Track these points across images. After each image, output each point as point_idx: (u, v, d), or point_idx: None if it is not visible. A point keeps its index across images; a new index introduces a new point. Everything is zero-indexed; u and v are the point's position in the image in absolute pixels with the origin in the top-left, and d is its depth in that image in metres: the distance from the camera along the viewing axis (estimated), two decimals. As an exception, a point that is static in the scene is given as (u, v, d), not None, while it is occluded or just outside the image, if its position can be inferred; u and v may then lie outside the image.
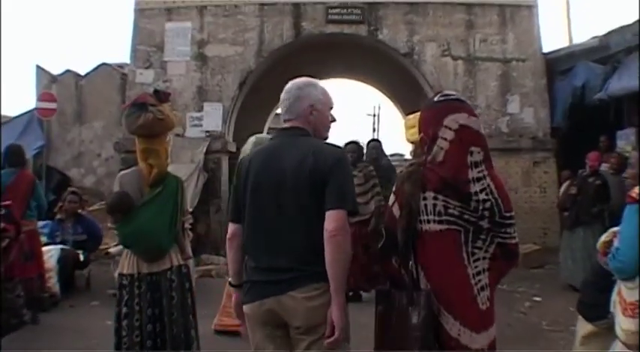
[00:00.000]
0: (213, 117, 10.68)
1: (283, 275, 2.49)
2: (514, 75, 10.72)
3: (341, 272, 2.43)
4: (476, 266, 2.44)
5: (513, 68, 10.73)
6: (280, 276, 2.50)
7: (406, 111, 13.96)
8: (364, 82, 14.81)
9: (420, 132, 2.66)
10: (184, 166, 10.23)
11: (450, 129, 2.49)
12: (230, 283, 2.86)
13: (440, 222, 2.45)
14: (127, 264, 4.12)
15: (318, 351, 2.47)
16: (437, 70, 10.69)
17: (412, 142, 5.01)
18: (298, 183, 2.50)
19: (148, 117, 4.17)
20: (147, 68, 10.87)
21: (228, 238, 2.76)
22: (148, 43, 10.90)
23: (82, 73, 12.37)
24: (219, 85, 10.75)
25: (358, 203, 4.37)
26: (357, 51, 11.90)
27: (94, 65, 12.35)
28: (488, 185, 2.47)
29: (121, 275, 4.13)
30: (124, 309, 4.06)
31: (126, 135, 10.77)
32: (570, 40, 14.37)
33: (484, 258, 2.46)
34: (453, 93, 2.75)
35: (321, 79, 14.51)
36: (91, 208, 10.03)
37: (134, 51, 10.93)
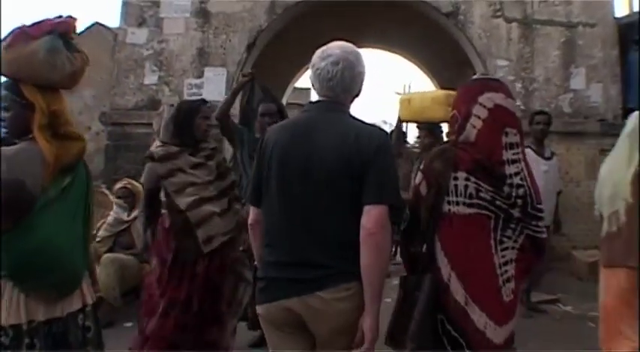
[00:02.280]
0: (215, 85, 8.96)
1: (310, 272, 2.21)
2: (580, 43, 8.80)
3: (378, 277, 2.18)
4: (503, 256, 2.35)
5: (579, 35, 8.80)
6: (307, 274, 2.22)
7: (444, 86, 12.13)
8: (395, 51, 12.95)
9: (453, 110, 2.54)
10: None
11: (484, 107, 2.41)
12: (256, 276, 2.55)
13: (470, 205, 2.34)
14: (6, 306, 2.37)
15: None
16: (486, 34, 8.80)
17: (404, 121, 4.59)
18: (334, 168, 2.21)
19: (84, 60, 2.59)
20: (139, 26, 9.16)
21: (250, 224, 2.50)
22: (141, -5, 9.20)
23: (73, 33, 10.95)
24: (223, 46, 9.00)
25: (210, 212, 3.76)
26: (388, 10, 10.10)
27: (87, 25, 10.94)
28: (523, 169, 2.40)
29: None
30: None
31: (114, 104, 9.27)
32: (631, 6, 12.33)
33: (512, 248, 2.37)
34: (491, 75, 2.78)
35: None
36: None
37: (125, 5, 9.23)
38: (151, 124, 9.25)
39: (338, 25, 11.11)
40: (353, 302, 2.18)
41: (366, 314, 2.16)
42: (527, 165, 2.41)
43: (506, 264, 2.34)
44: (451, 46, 9.85)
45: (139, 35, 9.17)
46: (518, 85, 8.67)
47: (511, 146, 2.38)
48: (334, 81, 2.30)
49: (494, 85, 2.50)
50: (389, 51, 13.10)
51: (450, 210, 2.34)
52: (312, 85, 2.41)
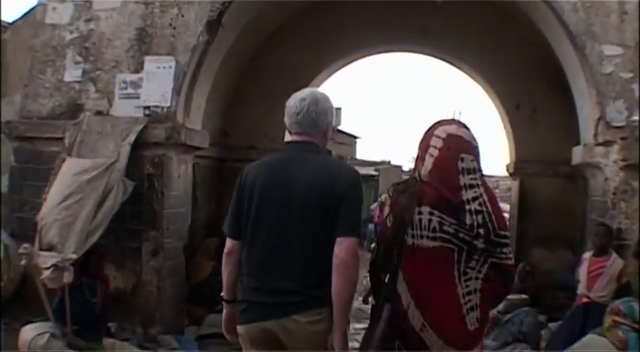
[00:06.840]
0: (159, 83, 5.99)
1: (288, 297, 2.51)
2: None
3: (348, 300, 2.49)
4: (467, 286, 2.46)
5: None
6: (284, 299, 2.51)
7: (508, 104, 8.70)
8: (440, 57, 9.47)
9: (418, 149, 2.72)
10: (89, 163, 5.53)
11: (439, 137, 2.57)
12: (222, 298, 2.81)
13: (434, 238, 2.46)
14: None
15: None
16: (585, 6, 5.49)
17: None
18: (310, 203, 2.51)
19: None
20: (63, 1, 6.35)
21: (225, 253, 2.75)
22: (67, -42, 6.39)
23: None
24: (172, 25, 6.04)
25: None
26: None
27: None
28: (482, 194, 2.48)
29: None
30: None
31: (25, 110, 6.45)
32: None
33: (476, 278, 2.47)
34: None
35: (366, 51, 9.45)
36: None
37: (46, -27, 6.46)
38: (64, 139, 6.50)
39: (364, 17, 8.10)
40: (324, 325, 2.50)
41: (335, 331, 2.47)
42: (487, 190, 2.50)
43: (469, 293, 2.44)
44: (523, 31, 6.64)
45: (61, 13, 6.46)
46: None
47: (468, 171, 2.49)
48: (301, 115, 2.61)
49: (450, 120, 2.66)
50: (436, 57, 9.67)
51: (413, 243, 2.46)
52: (285, 122, 2.70)
